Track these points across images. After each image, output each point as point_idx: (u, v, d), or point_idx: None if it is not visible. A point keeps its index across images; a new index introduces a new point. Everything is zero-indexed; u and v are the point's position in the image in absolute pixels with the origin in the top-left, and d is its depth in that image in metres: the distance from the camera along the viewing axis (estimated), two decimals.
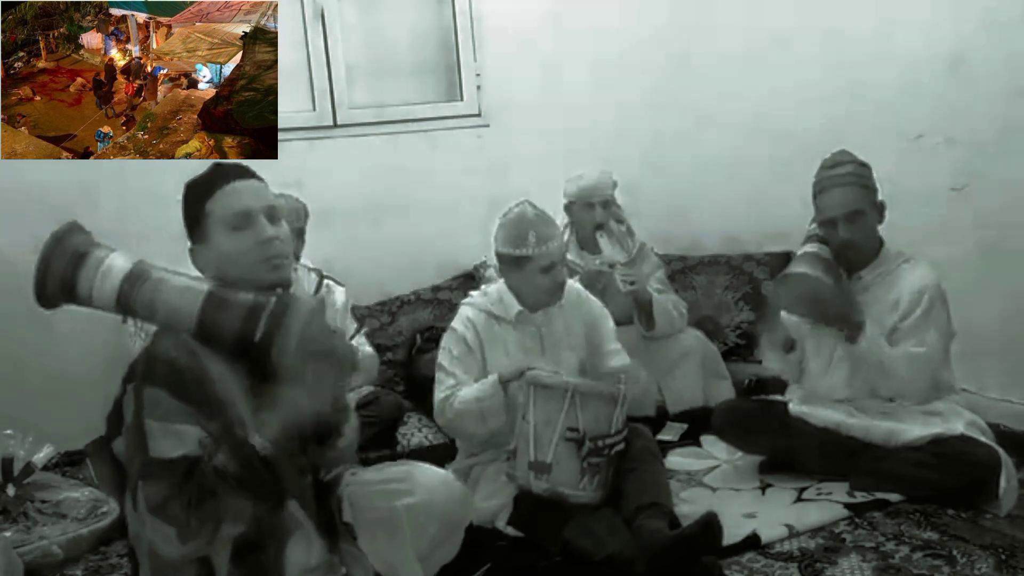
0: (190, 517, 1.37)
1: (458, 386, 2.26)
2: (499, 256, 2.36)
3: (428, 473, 1.75)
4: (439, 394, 2.29)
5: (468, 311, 2.39)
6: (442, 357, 2.34)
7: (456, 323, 2.38)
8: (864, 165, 2.40)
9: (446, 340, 2.37)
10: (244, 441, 1.43)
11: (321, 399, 1.49)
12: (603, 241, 3.03)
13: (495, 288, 2.42)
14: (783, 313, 2.51)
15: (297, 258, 2.79)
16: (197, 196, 1.57)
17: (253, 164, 1.64)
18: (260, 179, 1.61)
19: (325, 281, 2.87)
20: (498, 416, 2.20)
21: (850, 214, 2.35)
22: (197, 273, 1.57)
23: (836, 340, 2.42)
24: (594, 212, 3.06)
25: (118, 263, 1.49)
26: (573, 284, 2.56)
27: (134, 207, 3.02)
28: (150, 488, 1.39)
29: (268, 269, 1.53)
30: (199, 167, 1.59)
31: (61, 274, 1.46)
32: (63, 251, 1.47)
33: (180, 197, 1.59)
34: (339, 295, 2.88)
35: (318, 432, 1.60)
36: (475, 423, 2.22)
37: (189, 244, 1.59)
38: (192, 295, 1.48)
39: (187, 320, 1.47)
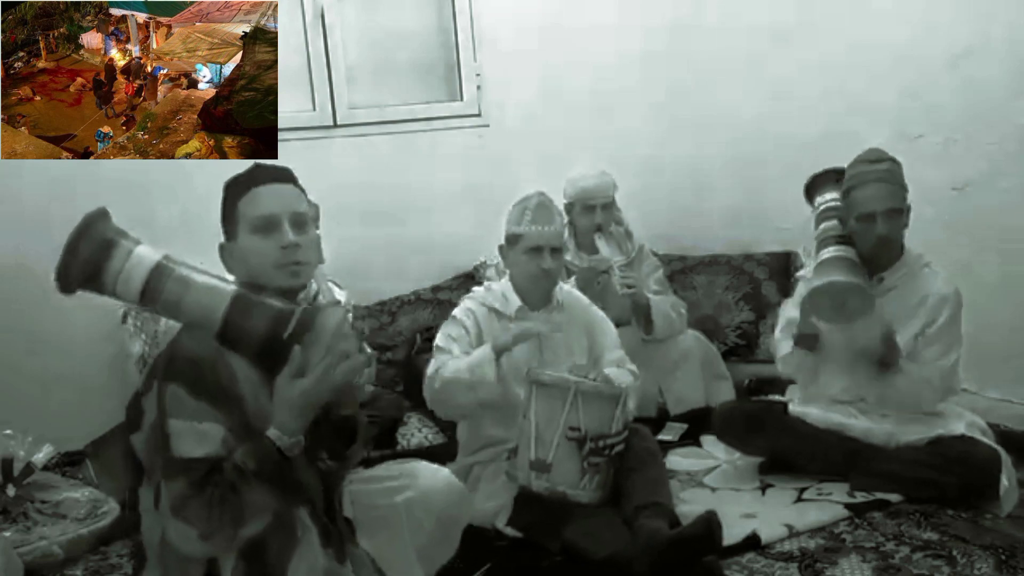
0: (212, 517, 1.39)
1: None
2: (504, 238, 2.42)
3: (427, 470, 1.75)
4: (431, 368, 2.26)
5: (470, 303, 2.42)
6: (439, 340, 2.34)
7: (457, 312, 2.40)
8: (897, 163, 2.36)
9: (445, 325, 2.38)
10: (262, 434, 1.45)
11: (332, 392, 1.51)
12: (601, 243, 3.02)
13: (498, 285, 2.45)
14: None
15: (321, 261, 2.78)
16: (232, 194, 1.60)
17: None
18: (296, 184, 1.64)
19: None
20: (489, 387, 2.16)
21: (890, 211, 2.31)
22: (222, 270, 1.59)
23: (860, 357, 2.37)
24: (594, 215, 3.06)
25: (147, 255, 1.48)
26: (577, 293, 2.56)
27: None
28: (173, 487, 1.41)
29: (287, 275, 1.56)
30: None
31: (87, 259, 1.44)
32: (92, 237, 1.45)
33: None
34: (339, 298, 2.88)
35: (335, 423, 1.60)
36: (464, 392, 2.18)
37: (221, 240, 1.63)
38: (218, 296, 1.48)
39: (212, 321, 1.47)
